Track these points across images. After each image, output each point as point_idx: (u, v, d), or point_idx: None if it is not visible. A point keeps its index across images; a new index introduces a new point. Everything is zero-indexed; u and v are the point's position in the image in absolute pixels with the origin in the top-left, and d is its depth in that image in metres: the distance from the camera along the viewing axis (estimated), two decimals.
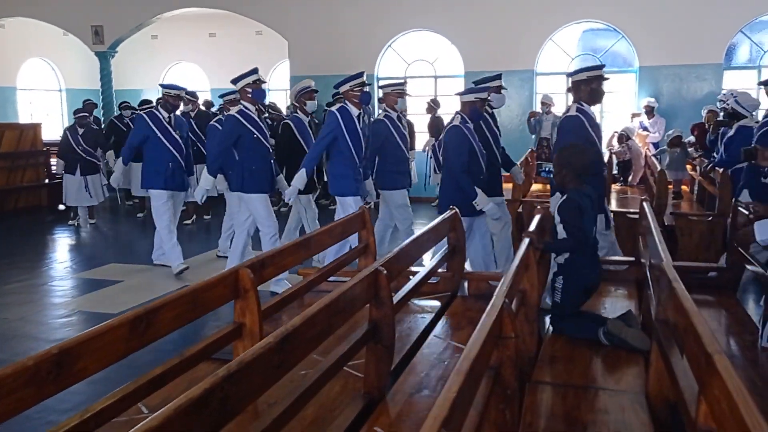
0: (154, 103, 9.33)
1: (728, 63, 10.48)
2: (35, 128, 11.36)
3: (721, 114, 7.56)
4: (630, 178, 8.86)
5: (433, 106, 10.74)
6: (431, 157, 10.74)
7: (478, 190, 4.89)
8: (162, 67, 17.05)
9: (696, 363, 1.88)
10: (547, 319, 3.44)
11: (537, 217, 3.75)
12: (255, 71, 5.68)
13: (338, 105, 5.70)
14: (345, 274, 4.06)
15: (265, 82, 5.91)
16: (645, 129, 9.91)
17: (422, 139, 11.82)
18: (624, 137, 8.78)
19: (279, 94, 15.85)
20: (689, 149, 8.03)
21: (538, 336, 3.26)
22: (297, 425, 2.33)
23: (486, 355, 2.01)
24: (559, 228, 3.34)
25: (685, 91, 10.33)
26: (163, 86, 6.73)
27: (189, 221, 9.42)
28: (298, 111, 6.53)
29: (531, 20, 10.72)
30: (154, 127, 6.50)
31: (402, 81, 6.48)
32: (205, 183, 5.66)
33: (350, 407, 2.55)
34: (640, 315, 3.43)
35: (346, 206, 5.52)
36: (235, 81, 5.72)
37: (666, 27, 10.14)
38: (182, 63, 17.05)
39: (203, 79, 16.91)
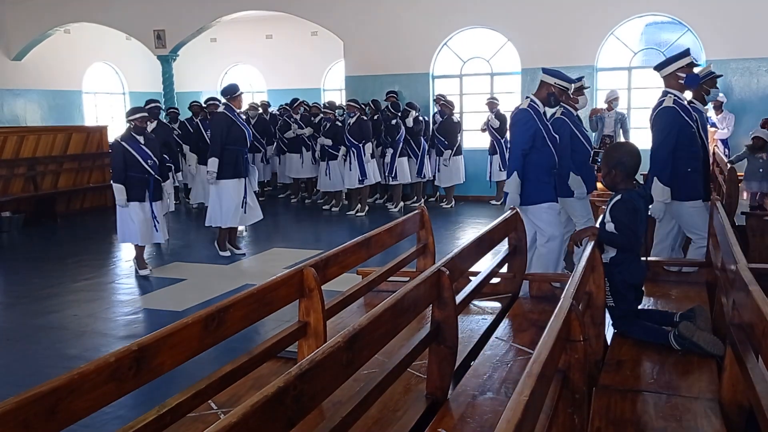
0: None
1: None
2: (101, 131, 11.78)
3: None
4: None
5: (494, 101, 10.68)
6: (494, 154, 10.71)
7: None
8: (221, 70, 17.46)
9: None
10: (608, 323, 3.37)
11: (600, 217, 3.68)
12: (687, 52, 4.70)
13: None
14: (403, 275, 4.06)
15: (697, 65, 4.84)
16: (713, 125, 9.58)
17: (472, 136, 11.80)
18: None
19: (334, 94, 16.01)
20: None
21: (604, 339, 3.19)
22: (362, 425, 2.34)
23: (555, 358, 1.98)
24: (609, 227, 3.26)
25: (755, 85, 9.94)
26: (547, 71, 4.89)
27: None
28: (695, 101, 5.04)
29: (591, 14, 10.50)
30: (540, 126, 4.75)
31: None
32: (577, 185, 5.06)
33: (413, 408, 2.55)
34: (713, 318, 3.32)
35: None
36: (660, 66, 4.76)
37: (733, 18, 9.78)
38: (240, 65, 17.41)
39: (260, 81, 17.24)
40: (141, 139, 6.71)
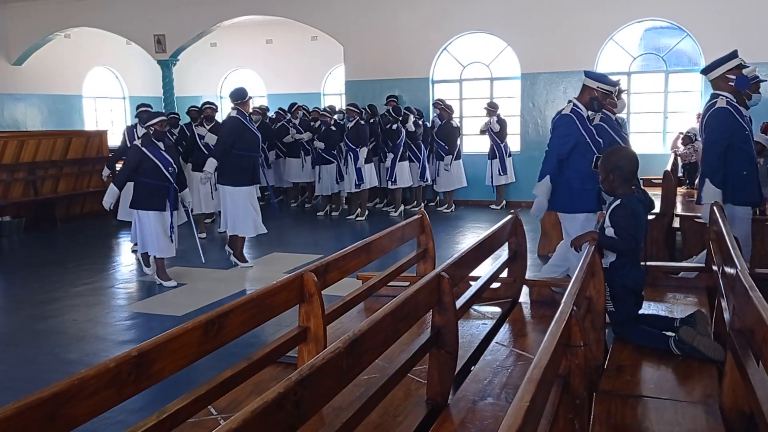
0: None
1: None
2: (101, 135, 11.79)
3: None
4: (696, 181, 8.52)
5: (491, 109, 10.70)
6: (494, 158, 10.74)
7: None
8: (221, 74, 17.48)
9: None
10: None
11: (600, 222, 3.68)
12: (736, 54, 4.61)
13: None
14: (403, 279, 4.06)
15: (746, 66, 4.71)
16: None
17: (472, 141, 11.82)
18: (690, 139, 8.51)
19: (334, 99, 16.01)
20: None
21: (604, 344, 3.19)
22: (362, 430, 2.34)
23: (555, 363, 1.98)
24: (609, 232, 3.26)
25: None
26: (589, 74, 4.80)
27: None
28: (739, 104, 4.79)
29: (591, 19, 10.52)
30: (583, 131, 4.68)
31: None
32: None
33: (414, 413, 2.55)
34: (713, 324, 3.32)
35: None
36: (709, 69, 4.70)
37: (732, 24, 9.78)
38: (240, 69, 17.43)
39: (260, 85, 17.25)
40: (161, 145, 6.39)
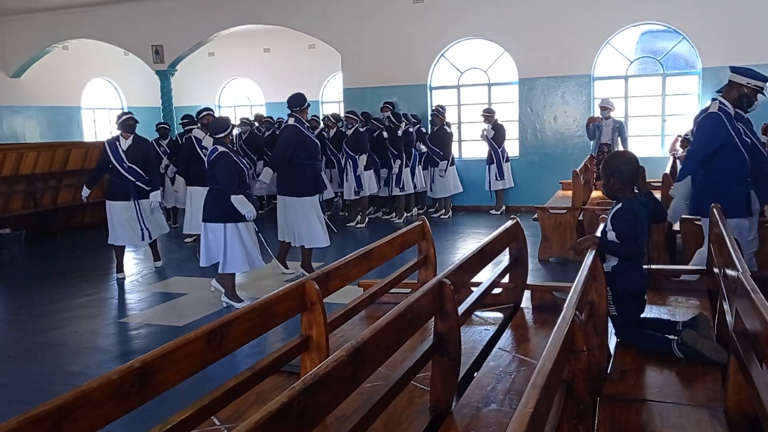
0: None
1: None
2: (100, 146, 11.75)
3: None
4: None
5: (487, 115, 10.72)
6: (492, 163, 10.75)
7: None
8: (219, 84, 17.53)
9: None
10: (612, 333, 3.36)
11: (601, 226, 3.67)
12: None
13: None
14: (405, 286, 4.06)
15: None
16: None
17: (471, 146, 11.83)
18: (688, 141, 8.53)
19: (332, 106, 16.05)
20: None
21: (607, 348, 3.19)
22: None
23: (559, 369, 1.98)
24: (610, 236, 3.26)
25: None
26: (738, 70, 4.53)
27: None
28: None
29: (587, 24, 10.56)
30: (731, 131, 4.37)
31: None
32: None
33: (417, 421, 2.54)
34: (715, 326, 3.31)
35: None
36: None
37: (728, 26, 9.83)
38: (238, 78, 17.48)
39: (258, 94, 17.29)
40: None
